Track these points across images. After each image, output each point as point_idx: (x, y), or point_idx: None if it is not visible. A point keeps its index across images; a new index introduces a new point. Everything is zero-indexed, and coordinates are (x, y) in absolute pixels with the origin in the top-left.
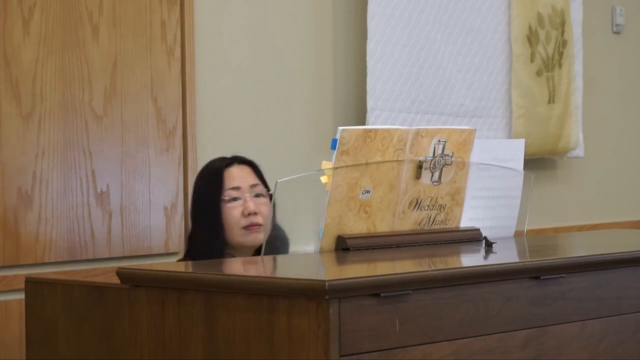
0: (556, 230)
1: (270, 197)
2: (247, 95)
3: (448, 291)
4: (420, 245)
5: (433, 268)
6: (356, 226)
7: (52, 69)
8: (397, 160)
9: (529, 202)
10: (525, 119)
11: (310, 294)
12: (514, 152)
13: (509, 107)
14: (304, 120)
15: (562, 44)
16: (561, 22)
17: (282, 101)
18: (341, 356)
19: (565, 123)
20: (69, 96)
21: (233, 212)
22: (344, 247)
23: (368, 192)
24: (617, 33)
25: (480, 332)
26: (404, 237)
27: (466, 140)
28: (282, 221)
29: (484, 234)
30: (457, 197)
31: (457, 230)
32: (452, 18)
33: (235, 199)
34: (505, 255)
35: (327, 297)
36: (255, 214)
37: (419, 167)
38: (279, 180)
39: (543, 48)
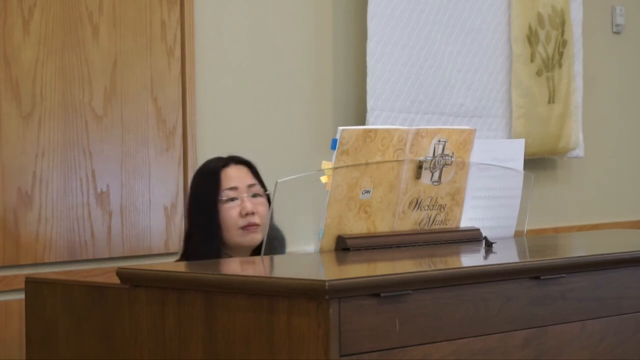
0: (556, 230)
1: (268, 197)
2: (247, 95)
3: (448, 291)
4: (420, 245)
5: (433, 268)
6: (356, 226)
7: (52, 69)
8: (397, 160)
9: (529, 202)
10: (525, 119)
11: (310, 294)
12: (514, 152)
13: (509, 107)
14: (304, 120)
15: (562, 44)
16: (561, 22)
17: (282, 101)
18: (341, 356)
19: (565, 123)
20: (69, 96)
21: (230, 213)
22: (344, 247)
23: (368, 192)
24: (617, 33)
25: (480, 332)
26: (404, 237)
27: (466, 140)
28: (280, 221)
29: (484, 234)
30: (457, 197)
31: (457, 230)
32: (452, 18)
33: (232, 199)
34: (505, 255)
35: (327, 297)
36: (252, 214)
37: (419, 167)
38: (278, 180)
39: (543, 48)
